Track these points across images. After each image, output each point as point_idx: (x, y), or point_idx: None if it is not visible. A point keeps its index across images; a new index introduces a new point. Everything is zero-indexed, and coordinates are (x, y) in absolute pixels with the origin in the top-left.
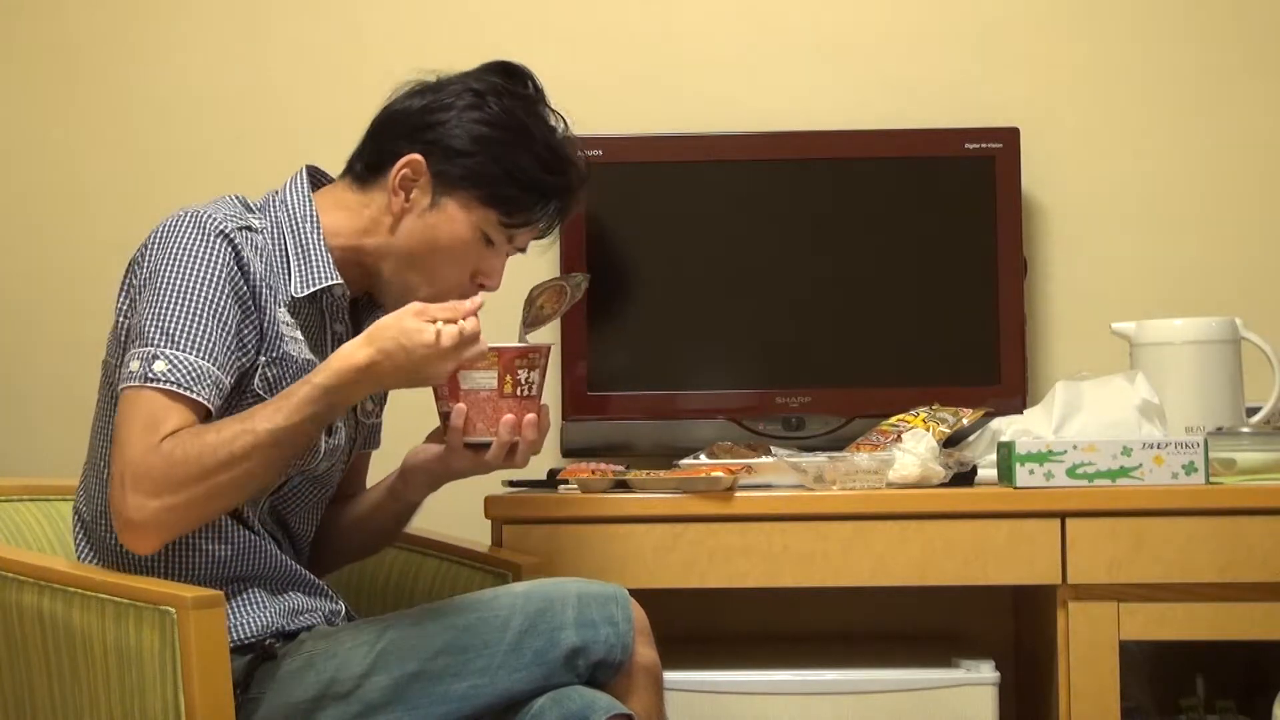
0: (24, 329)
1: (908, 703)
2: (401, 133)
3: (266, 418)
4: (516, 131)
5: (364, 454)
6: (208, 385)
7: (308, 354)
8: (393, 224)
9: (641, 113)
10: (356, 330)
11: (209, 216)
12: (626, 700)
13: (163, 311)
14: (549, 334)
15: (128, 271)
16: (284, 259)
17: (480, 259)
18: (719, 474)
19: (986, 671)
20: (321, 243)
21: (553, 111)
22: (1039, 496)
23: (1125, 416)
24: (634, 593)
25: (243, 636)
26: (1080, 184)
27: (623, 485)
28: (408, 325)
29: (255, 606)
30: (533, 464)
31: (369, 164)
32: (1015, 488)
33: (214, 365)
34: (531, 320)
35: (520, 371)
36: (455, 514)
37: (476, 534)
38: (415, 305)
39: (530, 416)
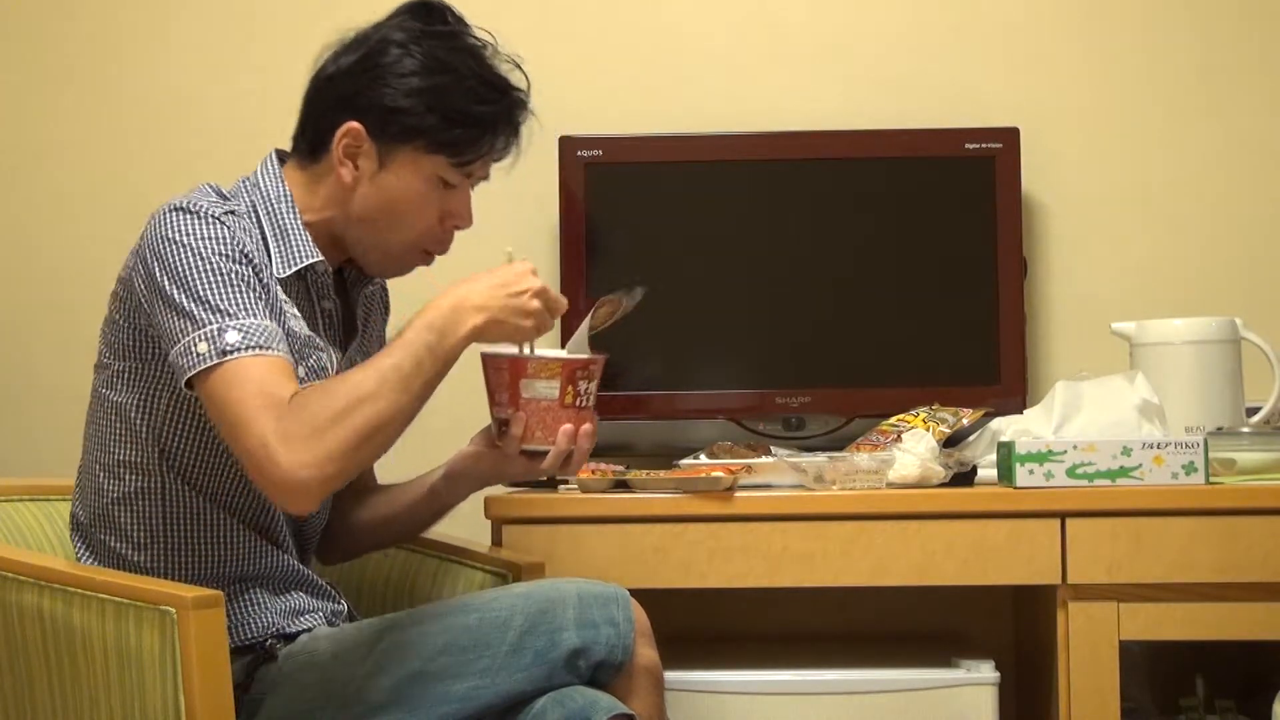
0: (24, 329)
1: (908, 703)
2: (333, 103)
3: (384, 355)
4: (443, 72)
5: None
6: (279, 340)
7: (307, 330)
8: (348, 194)
9: (641, 113)
10: (347, 307)
11: (196, 204)
12: (628, 701)
13: (202, 292)
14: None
15: (131, 274)
16: (263, 241)
17: (444, 202)
18: (719, 474)
19: (986, 671)
20: (299, 220)
21: (476, 38)
22: (1039, 496)
23: (1125, 416)
24: (634, 593)
25: (244, 638)
26: (1080, 184)
27: (623, 485)
28: (500, 272)
29: (256, 607)
30: None
31: (311, 140)
32: (1015, 488)
33: (274, 321)
34: (590, 328)
35: (580, 382)
36: (455, 514)
37: (476, 534)
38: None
39: (587, 427)
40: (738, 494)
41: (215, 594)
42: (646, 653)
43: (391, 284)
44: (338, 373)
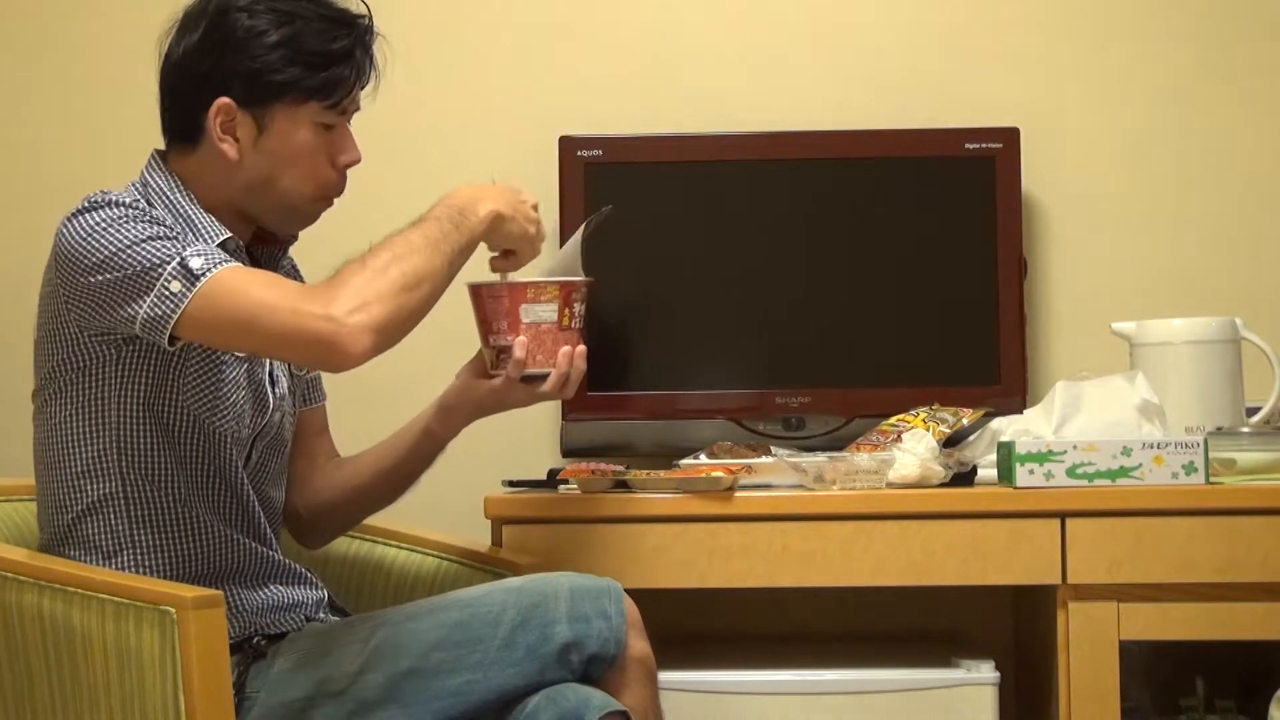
0: (23, 329)
1: (908, 703)
2: (195, 85)
3: (407, 229)
4: (290, 22)
5: (319, 409)
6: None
7: None
8: (235, 168)
9: (641, 113)
10: None
11: (94, 200)
12: (621, 694)
13: (139, 257)
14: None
15: (53, 290)
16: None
17: (329, 146)
18: (719, 474)
19: (986, 671)
20: (197, 206)
21: None
22: (1039, 496)
23: (1125, 416)
24: (633, 593)
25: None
26: (1080, 184)
27: (623, 485)
28: (508, 193)
29: (235, 603)
30: (533, 464)
31: (184, 127)
32: (1015, 488)
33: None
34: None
35: (575, 304)
36: (455, 514)
37: (476, 534)
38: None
39: (581, 348)
40: (738, 494)
41: (215, 594)
42: (638, 644)
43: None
44: None
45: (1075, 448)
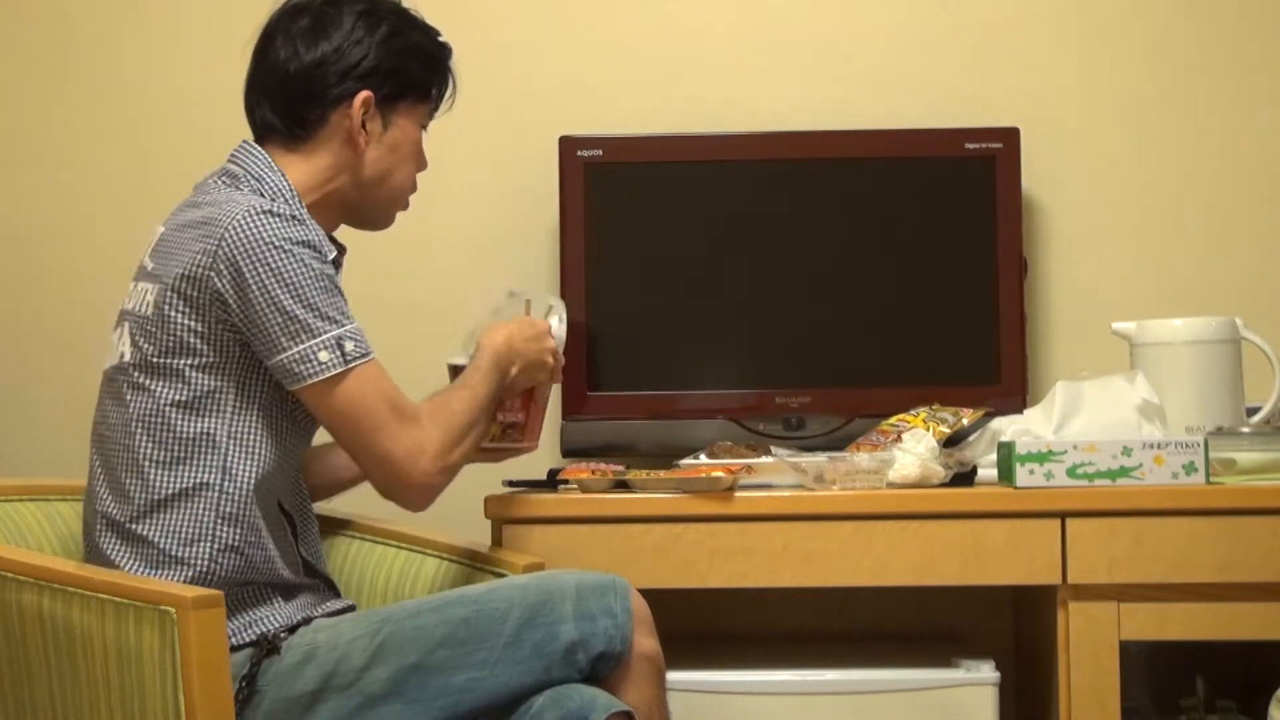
0: (24, 329)
1: (908, 703)
2: (329, 82)
3: (478, 385)
4: (410, 28)
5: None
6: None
7: None
8: (356, 160)
9: (641, 113)
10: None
11: (275, 206)
12: (626, 691)
13: (312, 299)
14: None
15: (207, 274)
16: None
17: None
18: (719, 474)
19: (986, 671)
20: (304, 211)
21: None
22: (1039, 496)
23: (1125, 416)
24: None
25: (251, 636)
26: (1080, 184)
27: (623, 485)
28: (526, 324)
29: (273, 609)
30: (533, 464)
31: (302, 122)
32: (1015, 488)
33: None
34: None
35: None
36: (455, 514)
37: (476, 534)
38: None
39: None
40: (738, 494)
41: (215, 594)
42: (646, 642)
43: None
44: None
45: (1075, 448)
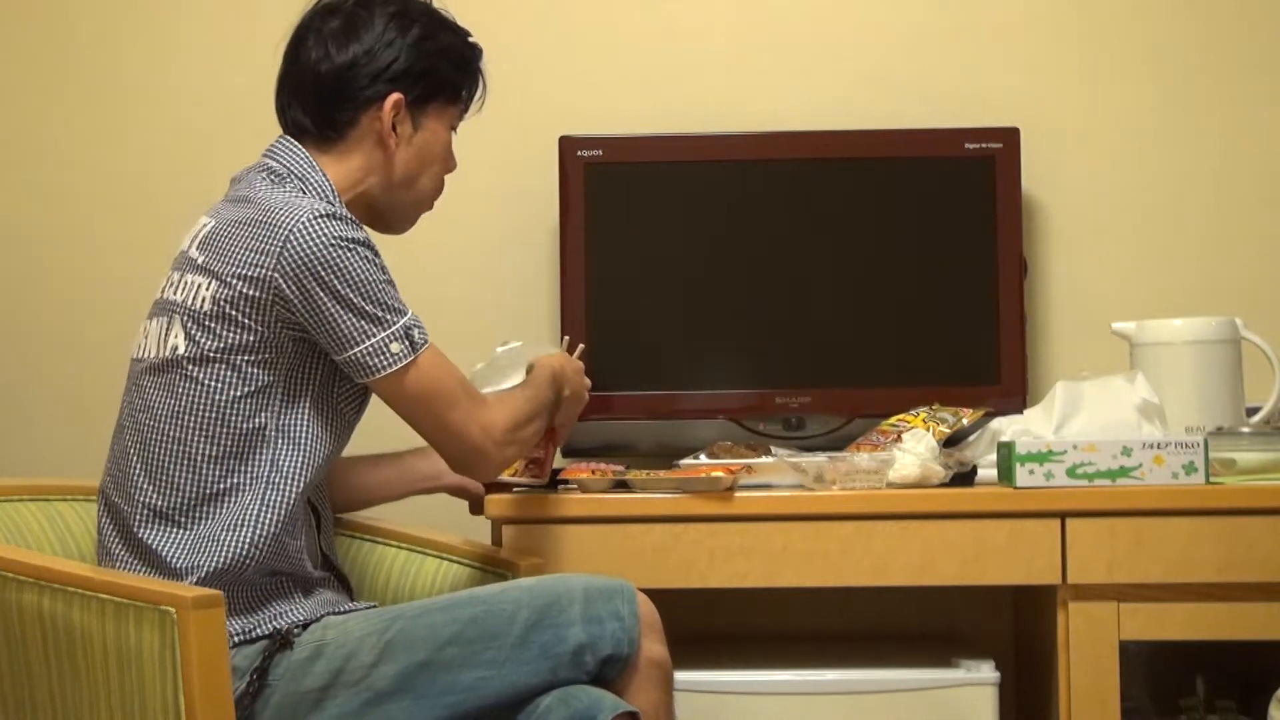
0: (24, 329)
1: (908, 703)
2: (360, 84)
3: (543, 387)
4: (441, 30)
5: None
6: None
7: None
8: (387, 162)
9: (641, 113)
10: None
11: (334, 210)
12: (633, 695)
13: (378, 294)
14: (550, 337)
15: (270, 275)
16: None
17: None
18: (719, 474)
19: (986, 671)
20: (345, 210)
21: None
22: (1039, 496)
23: (1125, 416)
24: None
25: (267, 630)
26: (1080, 184)
27: (623, 485)
28: (577, 375)
29: (292, 604)
30: None
31: (334, 123)
32: (1015, 488)
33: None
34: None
35: None
36: (455, 514)
37: (476, 534)
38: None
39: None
40: (738, 494)
41: (215, 594)
42: (655, 648)
43: None
44: None
45: (1075, 448)
